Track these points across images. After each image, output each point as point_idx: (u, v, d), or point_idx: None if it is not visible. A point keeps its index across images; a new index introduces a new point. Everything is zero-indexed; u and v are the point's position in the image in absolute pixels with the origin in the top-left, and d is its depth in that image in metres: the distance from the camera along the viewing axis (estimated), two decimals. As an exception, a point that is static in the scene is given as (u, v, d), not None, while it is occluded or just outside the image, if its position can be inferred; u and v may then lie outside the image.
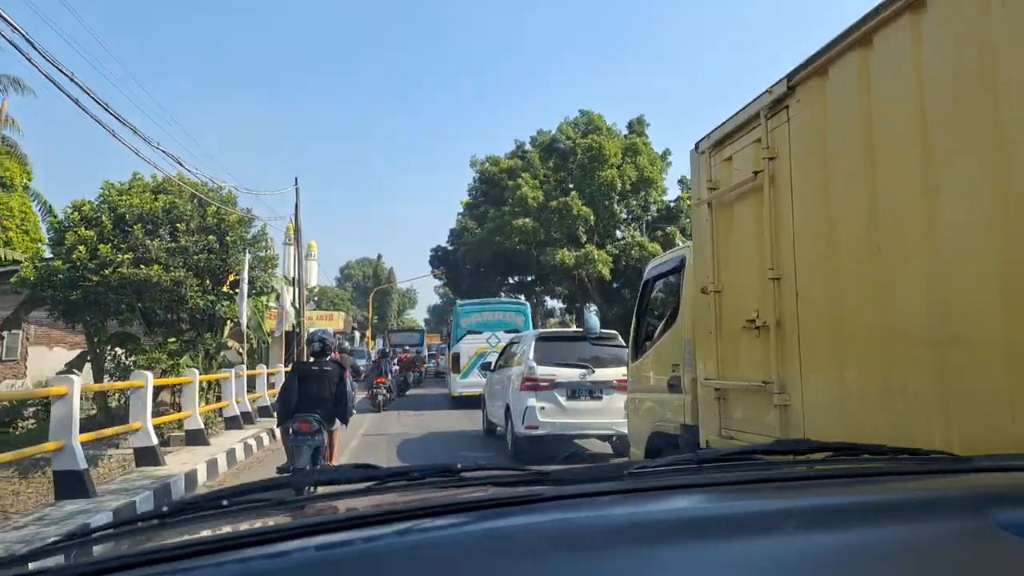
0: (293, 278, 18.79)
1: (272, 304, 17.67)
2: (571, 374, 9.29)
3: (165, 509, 1.12)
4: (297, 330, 17.81)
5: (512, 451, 9.61)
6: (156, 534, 1.08)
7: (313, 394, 6.06)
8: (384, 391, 16.69)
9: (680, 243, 24.52)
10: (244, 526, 1.06)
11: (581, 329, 11.66)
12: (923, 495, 1.08)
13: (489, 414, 11.48)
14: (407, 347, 28.45)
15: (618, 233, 24.77)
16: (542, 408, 9.54)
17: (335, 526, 0.93)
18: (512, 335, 14.14)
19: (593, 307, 7.63)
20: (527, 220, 22.31)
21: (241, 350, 15.73)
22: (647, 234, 24.04)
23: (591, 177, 23.31)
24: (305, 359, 12.74)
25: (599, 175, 23.35)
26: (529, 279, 29.56)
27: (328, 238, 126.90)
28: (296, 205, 17.57)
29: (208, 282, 14.14)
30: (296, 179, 17.75)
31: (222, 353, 15.76)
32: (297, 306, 18.08)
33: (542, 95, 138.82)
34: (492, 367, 11.76)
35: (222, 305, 14.04)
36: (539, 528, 0.93)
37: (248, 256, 13.97)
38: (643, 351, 6.35)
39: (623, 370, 9.38)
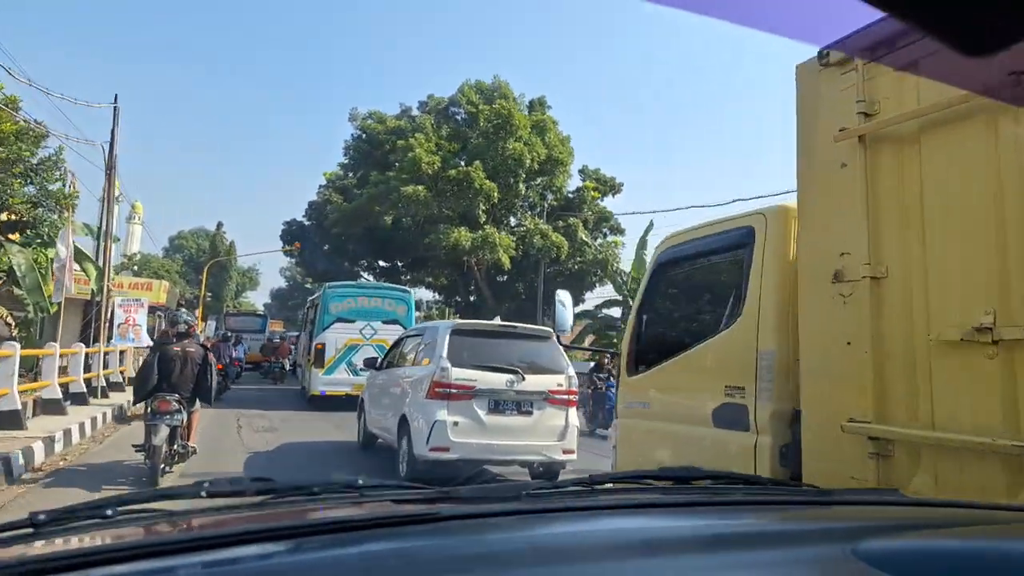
0: (98, 229, 14.88)
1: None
2: (495, 380, 7.67)
3: (41, 517, 1.06)
4: (99, 299, 14.13)
5: (407, 475, 7.59)
6: (27, 546, 1.03)
7: (175, 374, 6.37)
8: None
9: (583, 237, 23.67)
10: (128, 539, 1.07)
11: (505, 323, 9.76)
12: (791, 525, 1.24)
13: (370, 423, 9.65)
14: (247, 333, 24.73)
15: (512, 219, 23.17)
16: (455, 424, 7.66)
17: (226, 541, 0.94)
18: (402, 327, 13.20)
19: (563, 294, 5.75)
20: (420, 188, 19.83)
21: (9, 319, 11.89)
22: (548, 222, 22.67)
23: (495, 149, 21.44)
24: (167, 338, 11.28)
25: (505, 147, 21.57)
26: (399, 264, 27.00)
27: (157, 203, 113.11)
28: (113, 131, 13.80)
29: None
30: (116, 97, 13.91)
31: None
32: (102, 267, 14.32)
33: (428, 63, 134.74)
34: (378, 364, 9.97)
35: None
36: (437, 548, 0.99)
37: (31, 188, 10.30)
38: (649, 362, 4.73)
39: (558, 378, 8.01)
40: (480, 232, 20.37)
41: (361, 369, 13.03)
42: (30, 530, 1.06)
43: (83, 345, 12.22)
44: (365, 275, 27.98)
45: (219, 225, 54.37)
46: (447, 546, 0.99)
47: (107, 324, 13.58)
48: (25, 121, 11.19)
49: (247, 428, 10.89)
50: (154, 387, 6.45)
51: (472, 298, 28.88)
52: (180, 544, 0.94)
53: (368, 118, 23.60)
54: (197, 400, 6.77)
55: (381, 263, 27.63)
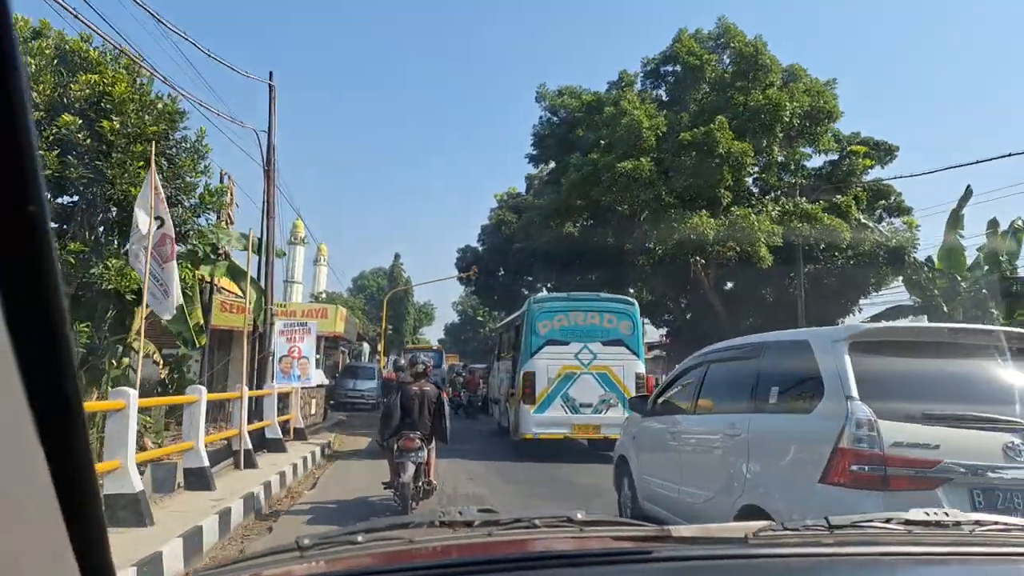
0: (259, 241, 12.78)
1: (220, 282, 11.70)
2: (977, 447, 4.00)
3: (306, 541, 1.30)
4: (260, 328, 11.99)
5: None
6: (295, 566, 1.28)
7: (415, 413, 7.03)
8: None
9: (859, 218, 17.99)
10: (376, 563, 1.28)
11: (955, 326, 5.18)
12: None
13: (645, 495, 6.65)
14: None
15: (764, 199, 17.94)
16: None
17: (458, 568, 1.17)
18: (627, 349, 12.49)
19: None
20: (643, 161, 15.73)
21: (157, 357, 9.79)
22: (808, 200, 17.34)
23: (735, 103, 16.66)
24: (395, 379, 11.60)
25: (748, 99, 16.80)
26: (592, 278, 22.99)
27: (340, 248, 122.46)
28: (270, 115, 11.69)
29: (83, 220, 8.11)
30: (271, 74, 11.75)
31: (125, 362, 9.70)
32: (264, 287, 12.18)
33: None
34: (651, 402, 6.98)
35: (106, 267, 7.97)
36: None
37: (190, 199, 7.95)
38: None
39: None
40: (726, 217, 15.65)
41: (582, 405, 12.05)
42: (297, 553, 1.30)
43: (246, 388, 9.83)
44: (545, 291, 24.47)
45: (396, 257, 55.54)
46: None
47: (269, 358, 11.31)
48: (150, 86, 8.96)
49: (449, 483, 9.10)
50: (398, 426, 6.99)
51: (688, 315, 24.12)
52: (419, 569, 1.20)
53: (560, 94, 20.15)
54: (434, 439, 7.21)
55: (576, 279, 24.00)
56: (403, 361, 13.99)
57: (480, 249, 39.71)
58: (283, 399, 11.72)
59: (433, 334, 77.66)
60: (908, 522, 1.40)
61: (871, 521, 1.41)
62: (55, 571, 0.68)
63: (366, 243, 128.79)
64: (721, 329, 21.58)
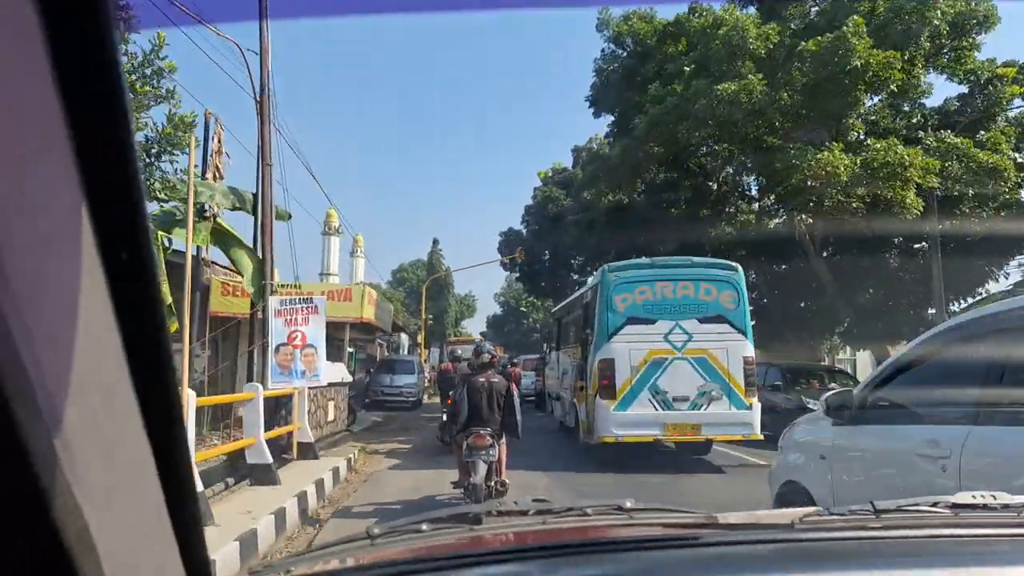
0: (254, 197, 9.82)
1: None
2: None
3: (375, 531, 1.41)
4: (257, 311, 9.10)
5: None
6: (369, 553, 1.39)
7: (483, 407, 6.63)
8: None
9: (1015, 157, 14.10)
10: (440, 551, 1.36)
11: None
12: None
13: None
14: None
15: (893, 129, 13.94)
16: None
17: (516, 554, 1.28)
18: (732, 327, 10.31)
19: None
20: (753, 80, 11.98)
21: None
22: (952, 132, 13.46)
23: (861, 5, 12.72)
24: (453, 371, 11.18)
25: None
26: (660, 250, 19.46)
27: (378, 240, 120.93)
28: (261, 32, 8.76)
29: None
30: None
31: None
32: (262, 256, 9.28)
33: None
34: (857, 405, 4.38)
35: None
36: (700, 570, 1.14)
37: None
38: None
39: None
40: (863, 152, 11.89)
41: (676, 399, 9.97)
42: (367, 542, 1.41)
43: (259, 387, 7.05)
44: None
45: (435, 243, 52.67)
46: (710, 568, 1.14)
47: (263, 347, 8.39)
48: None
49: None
50: (465, 421, 6.62)
51: (776, 290, 20.47)
52: (480, 555, 1.28)
53: (627, 19, 16.52)
54: (504, 433, 6.83)
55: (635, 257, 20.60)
56: (459, 351, 12.31)
57: (524, 232, 36.96)
58: (285, 404, 8.69)
59: (475, 327, 76.63)
60: (955, 505, 1.43)
61: (917, 504, 1.45)
62: (163, 557, 0.73)
63: (405, 234, 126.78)
64: (825, 310, 18.04)
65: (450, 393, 9.03)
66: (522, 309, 76.03)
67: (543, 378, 19.32)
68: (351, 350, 20.29)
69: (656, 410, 9.90)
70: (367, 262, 55.49)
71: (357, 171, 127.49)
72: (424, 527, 1.42)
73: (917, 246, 15.81)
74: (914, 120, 15.67)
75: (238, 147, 29.33)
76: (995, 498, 1.44)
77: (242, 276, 10.20)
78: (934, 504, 1.43)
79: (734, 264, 10.92)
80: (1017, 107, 15.91)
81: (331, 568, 1.32)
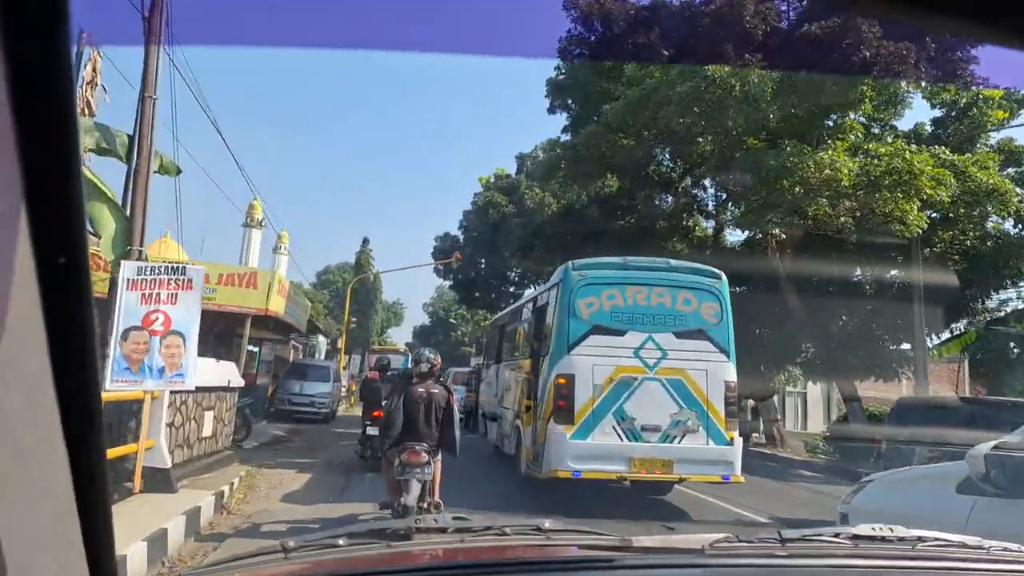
0: (129, 139, 7.43)
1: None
2: None
3: (290, 544, 1.39)
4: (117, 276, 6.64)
5: None
6: (282, 567, 1.37)
7: (419, 420, 6.09)
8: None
9: (1000, 183, 12.95)
10: (357, 566, 1.37)
11: None
12: None
13: None
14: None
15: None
16: None
17: (428, 571, 1.33)
18: (712, 344, 8.64)
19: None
20: (748, 59, 10.12)
21: None
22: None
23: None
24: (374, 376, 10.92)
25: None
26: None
27: (304, 241, 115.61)
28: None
29: None
30: None
31: None
32: (131, 215, 6.91)
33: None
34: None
35: None
36: None
37: None
38: None
39: None
40: (864, 155, 10.39)
41: (645, 428, 8.22)
42: (282, 555, 1.37)
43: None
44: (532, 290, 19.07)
45: (364, 242, 49.77)
46: None
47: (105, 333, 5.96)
48: None
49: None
50: (399, 435, 6.12)
51: (734, 312, 19.11)
52: (396, 572, 1.32)
53: None
54: (439, 450, 6.32)
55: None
56: (387, 360, 11.48)
57: (461, 238, 35.31)
58: (129, 412, 6.17)
59: (401, 336, 74.14)
60: (855, 536, 1.50)
61: (820, 535, 1.51)
62: (67, 555, 0.71)
63: (333, 235, 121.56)
64: (787, 337, 16.60)
65: (382, 404, 8.30)
66: (451, 320, 73.86)
67: (476, 394, 17.10)
68: (253, 348, 17.55)
69: (621, 440, 8.17)
70: (291, 261, 52.41)
71: (285, 162, 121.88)
72: (341, 541, 1.42)
73: (894, 273, 14.66)
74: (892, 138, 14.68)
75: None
76: (892, 531, 1.52)
77: (99, 238, 7.70)
78: (836, 534, 1.51)
79: (718, 272, 9.27)
80: (1002, 131, 15.23)
81: None
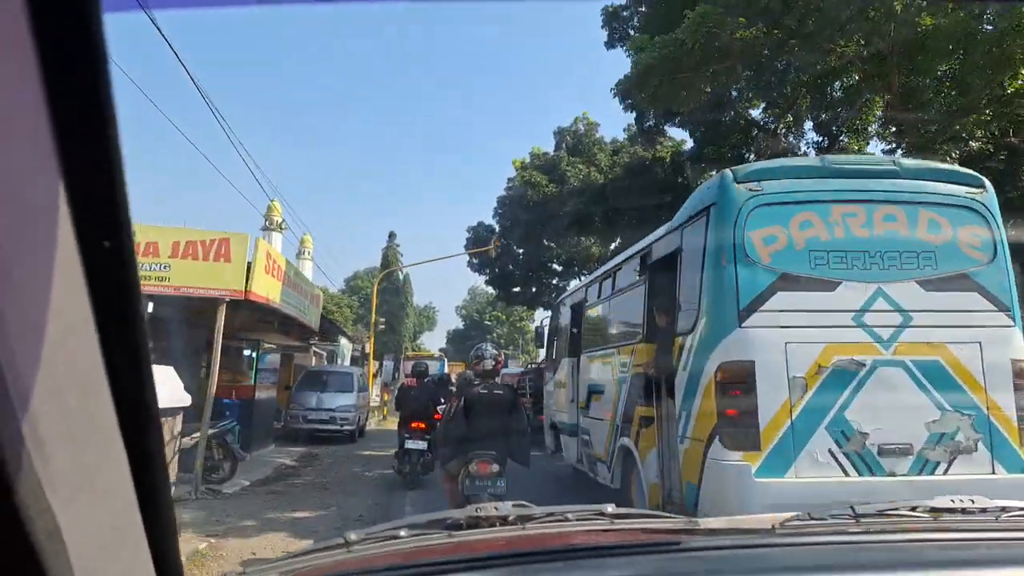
0: None
1: None
2: None
3: (352, 537, 1.39)
4: None
5: None
6: (346, 558, 1.35)
7: (485, 427, 5.59)
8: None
9: None
10: (418, 556, 1.34)
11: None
12: None
13: None
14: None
15: None
16: None
17: (495, 560, 1.25)
18: (982, 294, 5.28)
19: None
20: None
21: None
22: None
23: None
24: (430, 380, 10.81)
25: None
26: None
27: (332, 247, 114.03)
28: None
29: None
30: None
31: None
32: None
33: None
34: None
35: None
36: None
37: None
38: None
39: None
40: None
41: (885, 450, 4.91)
42: (344, 548, 1.37)
43: None
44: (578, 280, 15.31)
45: (391, 236, 46.75)
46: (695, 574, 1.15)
47: None
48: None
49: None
50: (461, 445, 5.55)
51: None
52: (459, 562, 1.26)
53: None
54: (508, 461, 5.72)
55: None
56: (424, 365, 10.87)
57: (496, 227, 32.40)
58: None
59: (434, 342, 71.89)
60: (934, 509, 1.45)
61: (897, 509, 1.47)
62: (132, 556, 0.70)
63: (361, 240, 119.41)
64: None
65: (439, 408, 8.27)
66: (486, 322, 70.83)
67: (541, 400, 13.19)
68: (251, 353, 14.29)
69: (845, 474, 4.87)
70: (315, 266, 50.03)
71: (306, 165, 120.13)
72: (403, 533, 1.43)
73: None
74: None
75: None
76: (973, 502, 1.46)
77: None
78: (913, 508, 1.45)
79: (979, 177, 5.55)
80: None
81: (307, 574, 1.29)
